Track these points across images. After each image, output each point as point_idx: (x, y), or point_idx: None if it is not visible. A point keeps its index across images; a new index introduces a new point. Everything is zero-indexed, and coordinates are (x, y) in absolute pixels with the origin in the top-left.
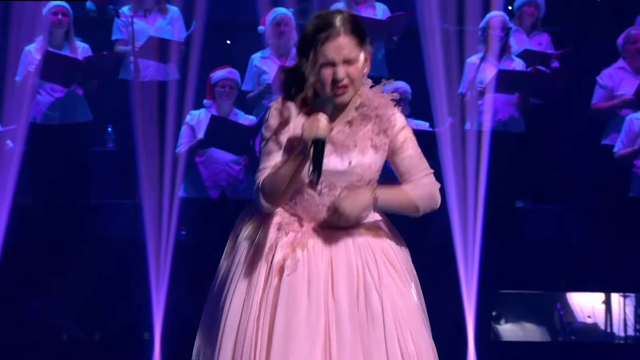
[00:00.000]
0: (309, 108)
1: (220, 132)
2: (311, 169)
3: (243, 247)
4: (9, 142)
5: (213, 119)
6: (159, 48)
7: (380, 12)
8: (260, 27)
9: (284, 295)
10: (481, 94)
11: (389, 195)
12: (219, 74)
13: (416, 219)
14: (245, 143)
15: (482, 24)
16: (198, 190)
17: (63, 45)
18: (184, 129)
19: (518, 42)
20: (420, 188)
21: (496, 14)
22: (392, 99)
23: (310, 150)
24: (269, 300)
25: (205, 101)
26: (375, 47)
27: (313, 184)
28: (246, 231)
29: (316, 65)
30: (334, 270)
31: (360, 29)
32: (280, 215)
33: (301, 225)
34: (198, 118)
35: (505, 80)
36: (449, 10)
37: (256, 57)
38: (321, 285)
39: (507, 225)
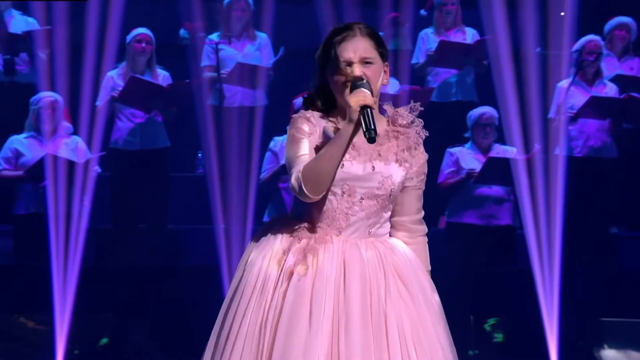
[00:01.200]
0: (334, 118)
1: None
2: (365, 130)
3: (258, 253)
4: (97, 168)
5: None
6: (247, 74)
7: (470, 36)
8: None
9: (289, 299)
10: (572, 119)
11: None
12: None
13: (503, 245)
14: None
15: (575, 47)
16: None
17: (145, 72)
18: (268, 155)
19: (609, 66)
20: (422, 250)
21: (591, 38)
22: (415, 122)
23: (359, 117)
24: (277, 304)
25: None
26: (465, 71)
27: (372, 140)
28: (262, 242)
29: (333, 69)
30: (347, 274)
31: (377, 36)
32: (294, 224)
33: (315, 232)
34: (281, 144)
35: (598, 106)
36: (537, 34)
37: None
38: (328, 290)
39: (602, 252)
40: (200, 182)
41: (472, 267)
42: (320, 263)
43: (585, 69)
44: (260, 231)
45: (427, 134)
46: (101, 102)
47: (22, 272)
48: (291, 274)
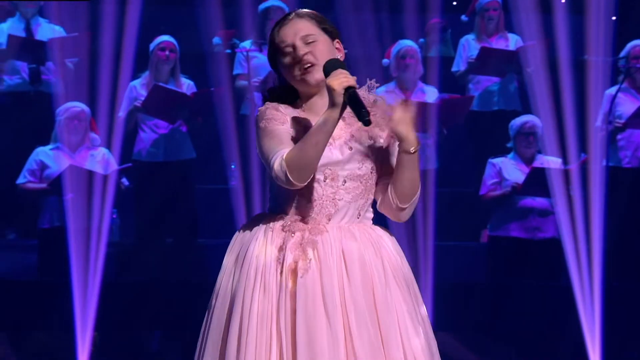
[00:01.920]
0: (298, 108)
1: None
2: (357, 114)
3: (250, 256)
4: (124, 181)
5: None
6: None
7: (513, 43)
8: (385, 60)
9: (301, 299)
10: (620, 128)
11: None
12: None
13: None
14: None
15: (622, 54)
16: None
17: (168, 81)
18: None
19: None
20: None
21: (637, 43)
22: (379, 102)
23: (345, 99)
24: (287, 306)
25: None
26: (507, 79)
27: (367, 123)
28: (250, 242)
29: (279, 57)
30: (348, 264)
31: (317, 16)
32: (281, 218)
33: (306, 223)
34: None
35: None
36: (573, 39)
37: (379, 92)
38: (334, 282)
39: None
40: (231, 194)
41: (515, 282)
42: (321, 255)
43: (633, 76)
44: (242, 232)
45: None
46: (123, 112)
47: (46, 287)
48: (293, 272)
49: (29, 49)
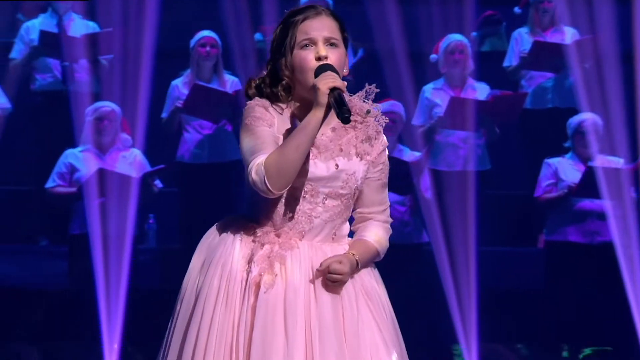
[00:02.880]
0: (287, 107)
1: None
2: (337, 111)
3: (215, 264)
4: (157, 182)
5: None
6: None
7: (569, 36)
8: (433, 56)
9: (260, 314)
10: None
11: (364, 257)
12: (379, 107)
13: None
14: (409, 182)
15: None
16: None
17: (212, 79)
18: None
19: None
20: (382, 230)
21: None
22: (373, 112)
23: (330, 100)
24: (247, 320)
25: None
26: (562, 75)
27: (347, 121)
28: (218, 247)
29: (294, 49)
30: (316, 283)
31: (341, 20)
32: (254, 227)
33: (278, 236)
34: None
35: None
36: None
37: (428, 89)
38: (299, 300)
39: None
40: None
41: (573, 289)
42: (289, 271)
43: None
44: (212, 234)
45: (387, 120)
46: (166, 113)
47: (76, 295)
48: (257, 285)
49: (62, 45)
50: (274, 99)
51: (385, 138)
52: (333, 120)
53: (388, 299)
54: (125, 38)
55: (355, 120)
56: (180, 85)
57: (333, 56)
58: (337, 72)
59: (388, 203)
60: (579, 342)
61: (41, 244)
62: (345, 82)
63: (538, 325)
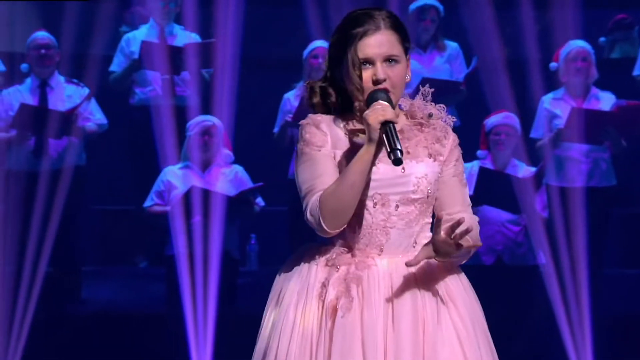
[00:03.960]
0: (349, 121)
1: (494, 186)
2: (389, 151)
3: (292, 290)
4: (259, 201)
5: (482, 172)
6: (437, 91)
7: None
8: (553, 64)
9: (338, 340)
10: None
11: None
12: (493, 119)
13: None
14: (524, 199)
15: None
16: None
17: None
18: None
19: None
20: (474, 222)
21: None
22: (436, 114)
23: (381, 135)
24: (325, 346)
25: (478, 152)
26: None
27: (399, 162)
28: (292, 276)
29: (354, 67)
30: (395, 302)
31: (402, 27)
32: (327, 250)
33: (353, 256)
34: (469, 172)
35: None
36: None
37: (547, 99)
38: (378, 323)
39: None
40: None
41: None
42: (365, 292)
43: None
44: (288, 264)
45: (455, 119)
46: (277, 127)
47: (172, 319)
48: (334, 309)
49: (163, 56)
50: (337, 110)
51: (455, 136)
52: (401, 121)
53: (479, 308)
54: (227, 48)
55: (421, 123)
56: (292, 99)
57: (393, 74)
58: (389, 100)
59: (470, 203)
60: None
61: (140, 265)
62: (398, 112)
63: None
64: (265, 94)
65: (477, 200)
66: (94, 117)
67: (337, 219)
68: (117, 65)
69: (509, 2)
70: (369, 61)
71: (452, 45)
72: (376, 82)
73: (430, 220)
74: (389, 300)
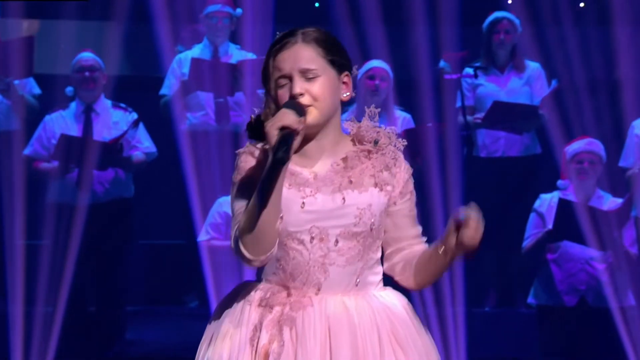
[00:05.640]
0: None
1: (576, 220)
2: (273, 152)
3: (223, 336)
4: None
5: (563, 204)
6: (511, 115)
7: None
8: None
9: None
10: None
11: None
12: (575, 146)
13: None
14: (610, 234)
15: None
16: (551, 296)
17: (380, 115)
18: (532, 217)
19: None
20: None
21: None
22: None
23: (277, 141)
24: None
25: (559, 182)
26: None
27: (282, 162)
28: (225, 318)
29: (274, 85)
30: (333, 345)
31: (327, 42)
32: (263, 289)
33: (289, 295)
34: (549, 203)
35: None
36: None
37: (637, 124)
38: None
39: None
40: None
41: None
42: (300, 336)
43: None
44: (222, 304)
45: (405, 143)
46: None
47: None
48: (266, 354)
49: (216, 75)
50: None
51: (407, 165)
52: (346, 147)
53: (435, 355)
54: None
55: (369, 150)
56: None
57: (314, 89)
58: (299, 108)
59: (420, 227)
60: None
61: (190, 305)
62: (303, 119)
63: None
64: None
65: (558, 235)
66: (142, 145)
67: (257, 244)
68: (167, 88)
69: (600, 19)
70: (286, 76)
71: (532, 66)
72: (292, 97)
73: (379, 255)
74: (325, 344)
